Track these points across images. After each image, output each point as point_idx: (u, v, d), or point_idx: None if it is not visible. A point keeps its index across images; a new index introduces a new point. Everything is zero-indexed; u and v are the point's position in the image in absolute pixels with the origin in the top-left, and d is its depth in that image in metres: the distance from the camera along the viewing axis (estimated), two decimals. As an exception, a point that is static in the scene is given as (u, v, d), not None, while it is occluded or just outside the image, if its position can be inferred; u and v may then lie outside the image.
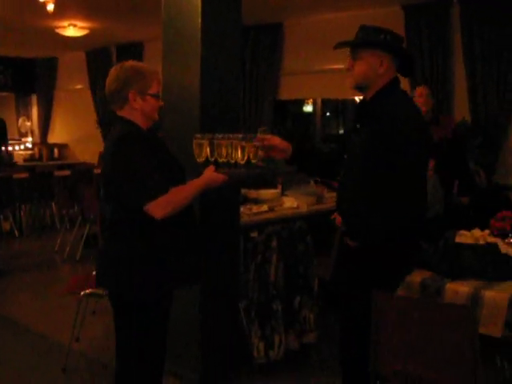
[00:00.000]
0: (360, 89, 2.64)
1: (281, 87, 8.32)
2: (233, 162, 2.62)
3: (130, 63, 2.56)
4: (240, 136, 2.62)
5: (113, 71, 2.55)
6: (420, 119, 2.61)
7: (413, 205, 2.48)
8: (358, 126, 2.64)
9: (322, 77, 7.65)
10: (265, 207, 4.48)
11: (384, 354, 2.46)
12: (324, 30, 7.50)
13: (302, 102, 9.53)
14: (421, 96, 4.85)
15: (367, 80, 2.58)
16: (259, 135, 2.73)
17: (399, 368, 2.43)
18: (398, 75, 2.64)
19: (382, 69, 2.55)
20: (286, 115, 10.28)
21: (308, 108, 9.27)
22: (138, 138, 2.41)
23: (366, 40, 2.58)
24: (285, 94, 8.39)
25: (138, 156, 2.32)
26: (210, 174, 2.55)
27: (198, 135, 2.75)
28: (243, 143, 2.58)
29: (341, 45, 2.65)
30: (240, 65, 3.74)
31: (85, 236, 6.72)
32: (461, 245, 2.99)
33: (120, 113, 2.50)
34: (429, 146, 2.63)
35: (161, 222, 2.34)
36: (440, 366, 2.35)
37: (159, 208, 2.31)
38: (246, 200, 4.80)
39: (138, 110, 2.48)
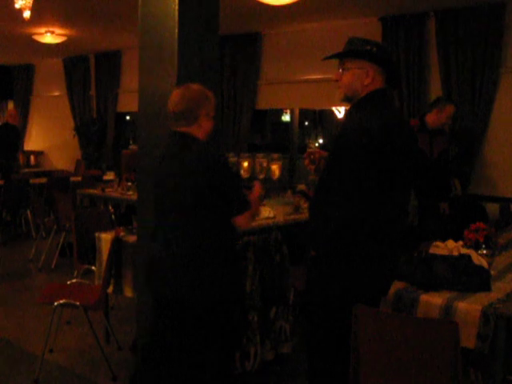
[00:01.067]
0: (348, 100, 2.66)
1: (259, 97, 8.34)
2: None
3: (197, 86, 2.85)
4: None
5: (179, 92, 2.82)
6: (395, 130, 2.54)
7: (358, 212, 2.47)
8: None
9: (300, 87, 7.69)
10: (241, 217, 4.48)
11: (365, 369, 2.46)
12: (302, 39, 7.55)
13: (280, 112, 9.58)
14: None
15: (354, 91, 2.60)
16: (309, 150, 2.95)
17: (379, 383, 2.44)
18: (386, 88, 2.66)
19: (367, 80, 2.57)
20: (265, 124, 10.31)
21: (286, 118, 9.31)
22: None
23: (352, 50, 2.61)
24: (263, 104, 8.41)
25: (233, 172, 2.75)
26: (259, 188, 2.92)
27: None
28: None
29: (329, 56, 2.69)
30: (218, 74, 3.74)
31: (60, 245, 6.65)
32: (435, 256, 3.01)
33: (186, 129, 2.77)
34: (405, 157, 2.59)
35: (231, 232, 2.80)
36: (422, 382, 2.35)
37: (246, 220, 2.82)
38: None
39: (204, 129, 2.80)
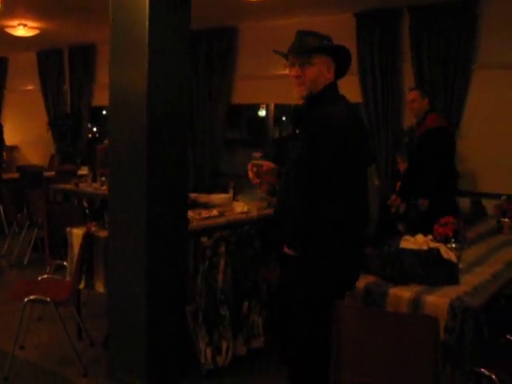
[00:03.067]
0: (311, 96, 2.62)
1: (235, 91, 8.31)
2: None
3: None
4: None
5: None
6: (354, 124, 2.54)
7: (329, 211, 2.47)
8: (297, 131, 2.65)
9: (276, 82, 7.66)
10: (215, 212, 4.49)
11: (345, 365, 2.47)
12: (279, 35, 7.48)
13: (255, 107, 9.56)
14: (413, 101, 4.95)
15: (317, 85, 2.58)
16: (253, 162, 2.78)
17: (360, 380, 2.45)
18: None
19: (329, 74, 2.58)
20: (240, 119, 10.29)
21: (262, 113, 9.30)
22: None
23: (318, 46, 2.59)
24: (239, 98, 8.39)
25: None
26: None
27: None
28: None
29: (295, 51, 2.62)
30: (189, 68, 3.72)
31: (33, 240, 6.58)
32: (404, 250, 3.04)
33: None
34: (365, 151, 2.59)
35: None
36: (402, 378, 2.37)
37: None
38: (196, 205, 4.79)
39: None
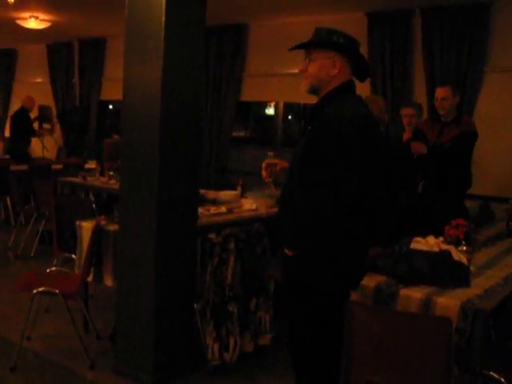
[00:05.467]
0: (314, 91, 2.61)
1: (244, 88, 8.32)
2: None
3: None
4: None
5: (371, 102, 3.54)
6: (367, 125, 2.48)
7: (329, 211, 2.40)
8: (308, 128, 2.64)
9: (285, 80, 7.68)
10: (223, 209, 4.50)
11: (356, 363, 2.47)
12: (288, 33, 7.52)
13: (264, 105, 9.56)
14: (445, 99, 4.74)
15: (320, 82, 2.56)
16: (267, 161, 2.82)
17: (371, 379, 2.45)
18: (354, 79, 2.63)
19: (334, 70, 2.53)
20: (249, 117, 10.29)
21: (270, 111, 9.30)
22: None
23: (318, 41, 2.56)
24: (248, 96, 8.39)
25: None
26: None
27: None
28: None
29: (295, 47, 2.62)
30: (203, 64, 3.72)
31: (40, 232, 6.59)
32: (415, 251, 3.03)
33: None
34: (374, 150, 2.51)
35: None
36: (413, 378, 2.37)
37: None
38: (205, 201, 4.80)
39: None
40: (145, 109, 3.42)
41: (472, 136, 4.65)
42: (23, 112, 9.20)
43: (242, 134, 9.74)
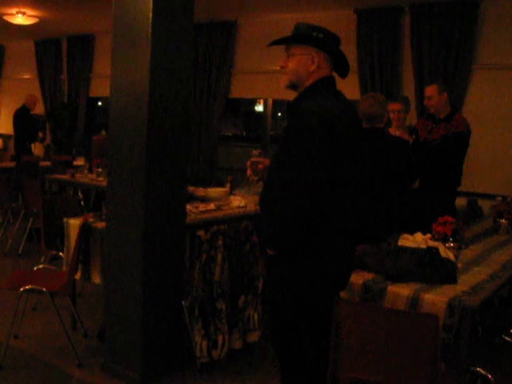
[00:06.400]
0: (293, 87, 2.59)
1: (233, 85, 8.31)
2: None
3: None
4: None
5: (371, 97, 3.94)
6: (335, 119, 2.40)
7: (307, 207, 2.36)
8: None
9: (274, 77, 7.67)
10: (212, 206, 4.48)
11: (344, 361, 2.47)
12: (277, 30, 7.49)
13: (253, 102, 9.55)
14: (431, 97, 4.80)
15: (298, 77, 2.54)
16: (252, 159, 2.83)
17: (359, 376, 2.45)
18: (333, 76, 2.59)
19: (312, 66, 2.51)
20: (238, 114, 10.28)
21: (259, 108, 9.29)
22: None
23: (296, 36, 2.55)
24: (237, 93, 8.39)
25: None
26: None
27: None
28: None
29: (274, 42, 2.60)
30: (192, 61, 3.71)
31: (27, 230, 6.56)
32: (403, 248, 3.04)
33: (379, 126, 3.86)
34: (353, 147, 2.50)
35: None
36: (401, 375, 2.37)
37: None
38: (193, 198, 4.79)
39: None
40: (132, 106, 3.40)
41: (460, 137, 4.64)
42: (24, 110, 9.15)
43: (231, 131, 9.71)
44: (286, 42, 2.58)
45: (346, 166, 2.46)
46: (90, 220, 3.97)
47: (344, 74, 2.67)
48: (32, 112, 9.33)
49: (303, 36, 2.53)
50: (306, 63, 2.52)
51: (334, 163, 2.37)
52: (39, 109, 10.67)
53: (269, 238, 2.49)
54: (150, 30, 3.28)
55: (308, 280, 2.47)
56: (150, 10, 3.27)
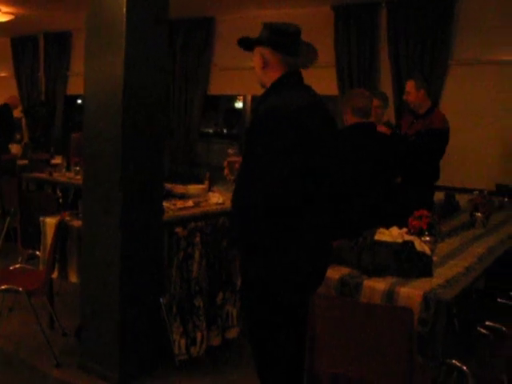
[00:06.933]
0: (262, 86, 2.64)
1: (212, 82, 8.29)
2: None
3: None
4: None
5: (361, 92, 4.08)
6: (292, 114, 2.40)
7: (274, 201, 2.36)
8: None
9: (253, 74, 7.64)
10: (190, 203, 4.47)
11: (321, 356, 2.47)
12: (256, 26, 7.48)
13: (233, 98, 9.53)
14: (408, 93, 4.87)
15: (259, 76, 2.61)
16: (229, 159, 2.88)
17: (335, 371, 2.46)
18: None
19: (267, 66, 2.56)
20: (217, 110, 10.26)
21: (240, 104, 9.28)
22: None
23: (246, 39, 2.61)
24: (216, 89, 8.36)
25: None
26: None
27: None
28: None
29: (239, 43, 2.67)
30: (166, 58, 3.69)
31: (5, 229, 6.48)
32: (378, 242, 3.05)
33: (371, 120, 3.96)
34: (315, 143, 2.47)
35: None
36: (377, 369, 2.38)
37: None
38: (172, 195, 4.78)
39: None
40: (107, 103, 3.37)
41: (434, 133, 4.67)
42: (6, 108, 9.03)
43: (212, 128, 9.69)
44: (242, 43, 2.64)
45: (314, 160, 2.45)
46: (67, 218, 3.94)
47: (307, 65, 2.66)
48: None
49: (253, 38, 2.60)
50: (260, 64, 2.58)
51: (299, 158, 2.38)
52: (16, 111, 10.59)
53: (238, 235, 2.49)
54: (124, 27, 3.26)
55: (282, 277, 2.47)
56: (124, 5, 3.25)
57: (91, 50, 3.45)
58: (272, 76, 2.56)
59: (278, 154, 2.34)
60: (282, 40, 2.55)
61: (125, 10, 3.25)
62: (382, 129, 4.71)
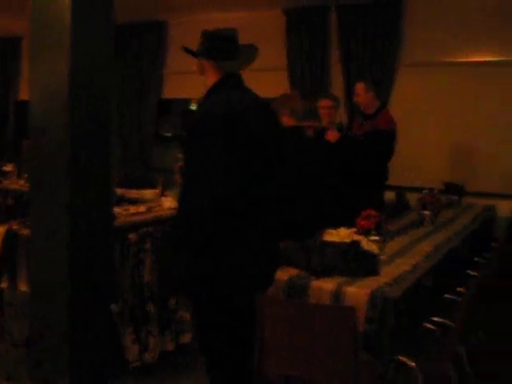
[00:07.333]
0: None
1: (166, 86, 8.26)
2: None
3: None
4: None
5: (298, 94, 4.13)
6: (227, 116, 2.46)
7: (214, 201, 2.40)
8: None
9: (206, 77, 7.66)
10: (142, 208, 4.43)
11: (269, 357, 2.49)
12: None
13: (187, 102, 9.49)
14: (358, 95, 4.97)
15: (205, 85, 2.68)
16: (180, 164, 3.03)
17: (285, 372, 2.48)
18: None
19: (204, 73, 2.68)
20: (172, 114, 10.20)
21: (193, 107, 9.25)
22: None
23: (185, 48, 2.72)
24: (169, 93, 8.33)
25: None
26: None
27: None
28: None
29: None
30: (113, 61, 3.66)
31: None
32: (327, 243, 3.09)
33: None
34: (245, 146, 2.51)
35: None
36: (325, 368, 2.41)
37: None
38: (124, 200, 4.73)
39: None
40: (52, 110, 3.33)
41: (380, 135, 4.74)
42: None
43: (166, 131, 9.61)
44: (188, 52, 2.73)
45: (257, 161, 2.48)
46: (15, 227, 3.86)
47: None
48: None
49: (188, 50, 2.71)
50: (198, 70, 2.71)
51: (236, 159, 2.42)
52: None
53: (179, 237, 2.51)
54: (69, 25, 3.22)
55: (228, 278, 2.49)
56: (69, 9, 3.21)
57: (35, 57, 3.40)
58: (210, 81, 2.65)
59: (212, 156, 2.39)
60: (217, 46, 2.62)
61: (69, 7, 3.20)
62: (332, 132, 4.79)
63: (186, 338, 3.89)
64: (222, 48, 2.63)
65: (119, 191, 4.68)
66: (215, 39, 2.63)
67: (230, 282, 2.49)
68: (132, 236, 3.64)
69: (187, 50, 2.70)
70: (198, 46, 2.69)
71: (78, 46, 3.28)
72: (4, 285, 3.88)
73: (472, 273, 3.68)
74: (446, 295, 3.46)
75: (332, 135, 4.74)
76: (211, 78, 2.64)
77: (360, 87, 4.93)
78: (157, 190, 5.21)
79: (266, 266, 2.64)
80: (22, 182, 6.51)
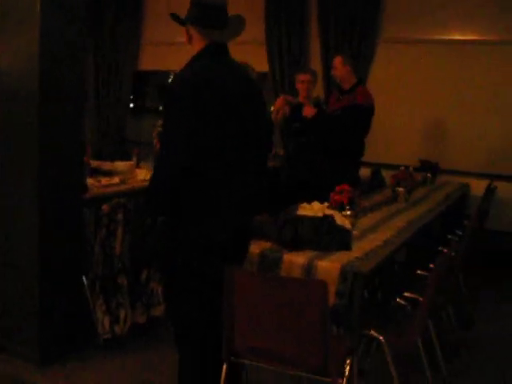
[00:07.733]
0: None
1: (142, 58, 8.13)
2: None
3: None
4: None
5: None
6: (195, 84, 2.41)
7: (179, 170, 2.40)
8: None
9: (184, 49, 7.54)
10: (116, 179, 4.38)
11: (239, 331, 2.48)
12: (187, 1, 7.38)
13: (165, 74, 9.37)
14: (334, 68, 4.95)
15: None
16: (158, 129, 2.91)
17: (253, 345, 2.47)
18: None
19: (191, 40, 2.62)
20: (149, 86, 10.08)
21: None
22: None
23: (173, 16, 2.64)
24: (147, 65, 8.20)
25: None
26: None
27: None
28: None
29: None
30: (85, 34, 3.58)
31: None
32: (300, 217, 3.08)
33: None
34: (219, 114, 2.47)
35: None
36: (295, 341, 2.40)
37: None
38: (99, 172, 4.66)
39: None
40: (22, 75, 3.25)
41: (357, 110, 4.73)
42: None
43: (142, 103, 9.49)
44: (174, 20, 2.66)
45: (224, 128, 2.46)
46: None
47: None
48: None
49: (177, 17, 2.63)
50: (186, 38, 2.63)
51: (201, 124, 2.40)
52: None
53: (146, 205, 2.52)
54: (39, 3, 3.14)
55: (194, 249, 2.48)
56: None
57: (5, 28, 3.31)
58: (196, 50, 2.59)
59: (176, 120, 2.40)
60: (206, 13, 2.55)
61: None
62: (308, 108, 4.76)
63: (158, 311, 3.88)
64: (210, 16, 2.56)
65: (94, 163, 4.59)
66: (204, 7, 2.56)
67: (200, 250, 2.48)
68: (105, 207, 3.59)
69: (174, 17, 2.63)
70: (186, 14, 2.61)
71: (47, 22, 3.20)
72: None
73: (443, 249, 3.70)
74: (418, 271, 3.48)
75: (308, 110, 4.72)
76: (197, 47, 2.58)
77: (338, 61, 4.92)
78: (131, 162, 5.14)
79: (238, 237, 2.62)
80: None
